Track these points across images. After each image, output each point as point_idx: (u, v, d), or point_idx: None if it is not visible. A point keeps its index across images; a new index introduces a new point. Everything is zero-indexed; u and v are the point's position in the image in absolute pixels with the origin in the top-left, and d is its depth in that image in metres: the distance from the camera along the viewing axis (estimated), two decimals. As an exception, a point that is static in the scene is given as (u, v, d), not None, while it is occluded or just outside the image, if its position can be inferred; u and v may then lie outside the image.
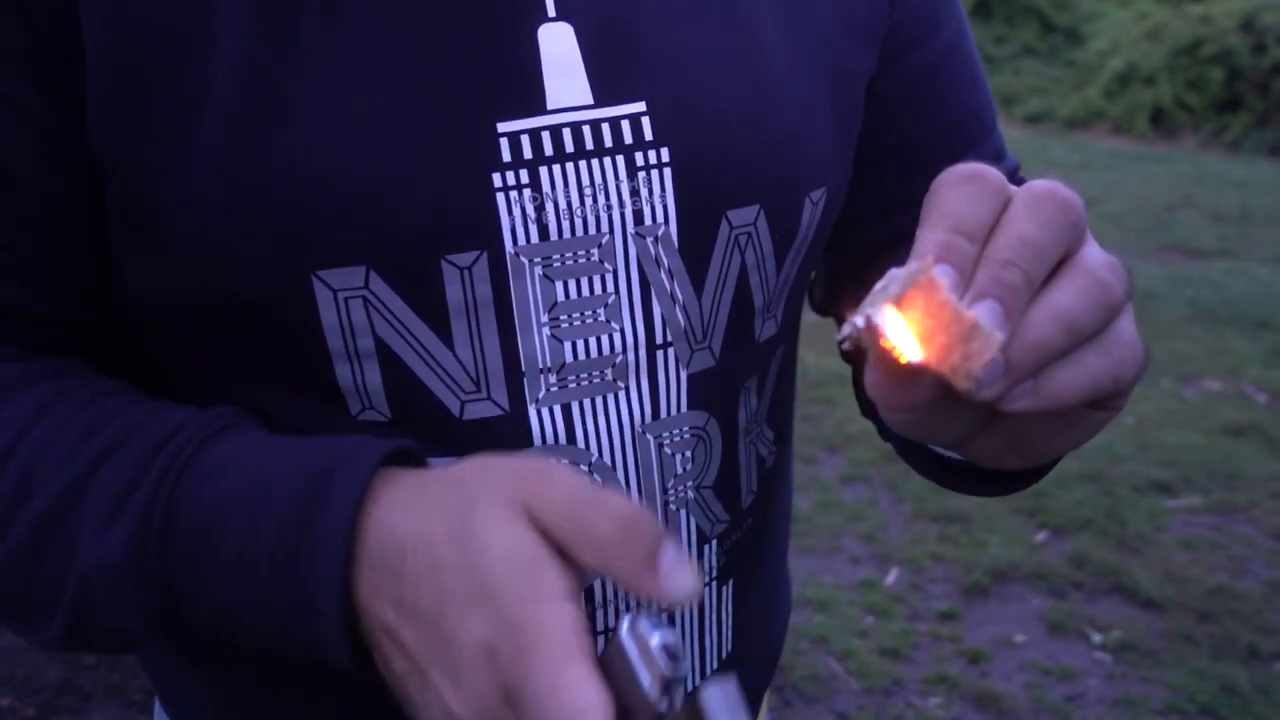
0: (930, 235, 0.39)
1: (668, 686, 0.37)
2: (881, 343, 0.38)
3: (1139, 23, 9.35)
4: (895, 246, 0.63)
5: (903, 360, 0.38)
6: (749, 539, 0.63)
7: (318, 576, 0.43)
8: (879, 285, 0.38)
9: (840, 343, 0.38)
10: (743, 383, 0.59)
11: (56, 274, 0.51)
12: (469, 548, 0.39)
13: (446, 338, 0.51)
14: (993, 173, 0.40)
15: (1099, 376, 0.39)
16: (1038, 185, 0.40)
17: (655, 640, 0.37)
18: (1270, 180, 7.21)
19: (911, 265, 0.37)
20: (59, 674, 2.26)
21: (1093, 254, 0.40)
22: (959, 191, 0.39)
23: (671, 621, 0.45)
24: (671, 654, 0.37)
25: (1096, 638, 2.49)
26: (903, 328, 0.37)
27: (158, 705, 0.68)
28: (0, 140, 0.48)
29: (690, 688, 0.40)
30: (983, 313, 0.37)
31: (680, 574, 0.38)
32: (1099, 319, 0.39)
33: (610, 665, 0.38)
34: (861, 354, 0.39)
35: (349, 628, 0.43)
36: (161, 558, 0.45)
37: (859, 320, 0.38)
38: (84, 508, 0.47)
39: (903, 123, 0.63)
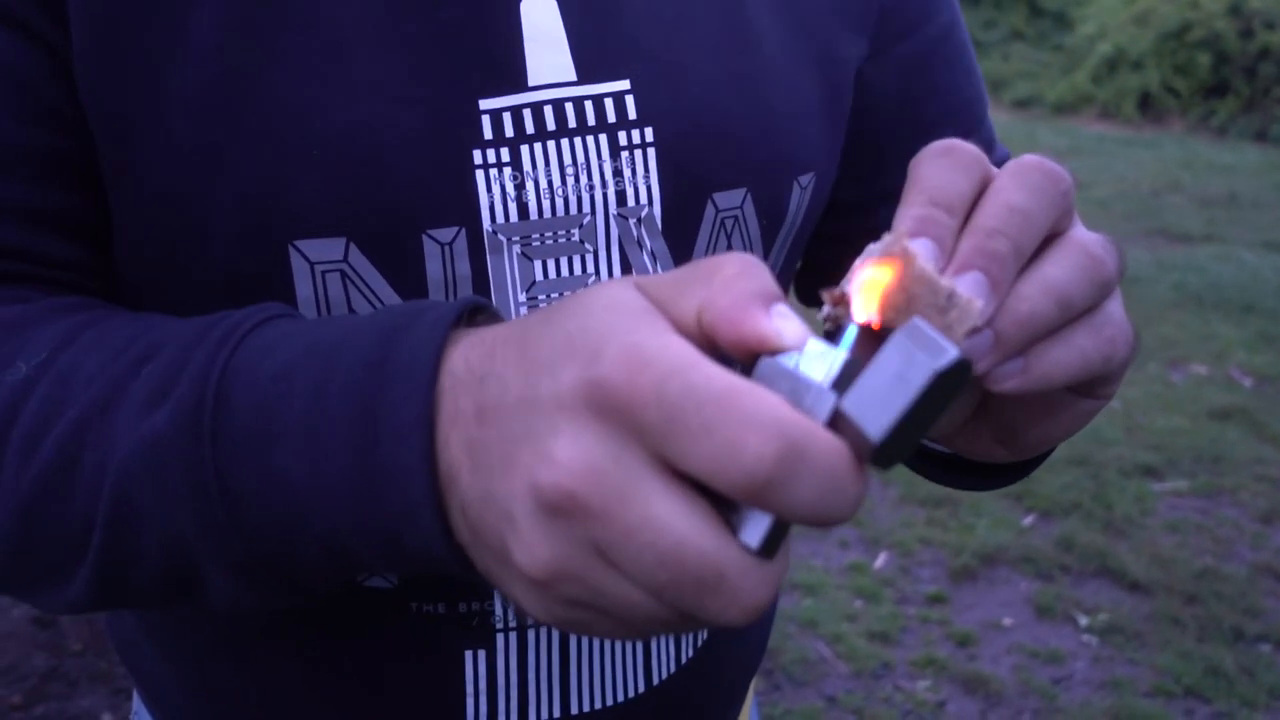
0: (907, 211, 0.38)
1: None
2: (856, 318, 0.36)
3: (1127, 7, 9.35)
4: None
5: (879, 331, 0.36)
6: None
7: (397, 403, 0.36)
8: (858, 261, 0.36)
9: (823, 322, 0.37)
10: None
11: (78, 221, 0.49)
12: (565, 312, 0.34)
13: None
14: (968, 146, 0.39)
15: (1090, 355, 0.38)
16: (1024, 158, 0.39)
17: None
18: (1257, 165, 7.23)
19: (886, 238, 0.36)
20: (45, 661, 2.25)
21: (1084, 231, 0.40)
22: (934, 165, 0.39)
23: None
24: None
25: (1083, 620, 2.50)
26: (876, 299, 0.35)
27: (136, 697, 0.68)
28: (24, 75, 0.46)
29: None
30: (965, 284, 0.36)
31: (791, 320, 0.32)
32: (1091, 295, 0.38)
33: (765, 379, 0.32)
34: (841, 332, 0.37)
35: (434, 487, 0.36)
36: (215, 437, 0.39)
37: (836, 296, 0.36)
38: (124, 404, 0.41)
39: (893, 111, 0.62)
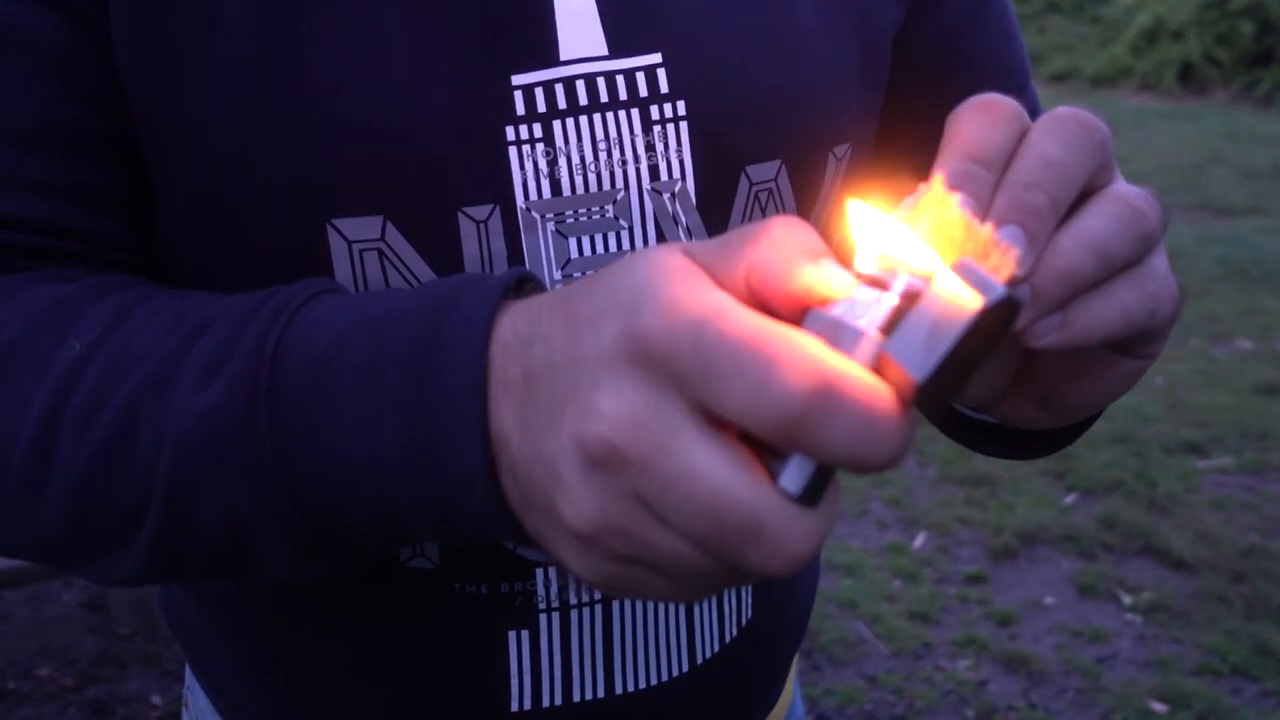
0: (944, 165, 0.37)
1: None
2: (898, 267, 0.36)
3: (1167, -24, 9.17)
4: None
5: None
6: None
7: (449, 375, 0.37)
8: (896, 212, 0.36)
9: (858, 274, 0.37)
10: None
11: (121, 200, 0.50)
12: (609, 274, 0.34)
13: None
14: (1007, 101, 0.38)
15: (1132, 310, 0.37)
16: (1058, 110, 0.39)
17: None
18: (1302, 135, 7.08)
19: (923, 188, 0.35)
20: (95, 644, 2.30)
21: (1124, 184, 0.39)
22: (972, 120, 0.38)
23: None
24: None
25: (1127, 599, 2.48)
26: (914, 245, 0.35)
27: (189, 672, 0.69)
28: (67, 57, 0.47)
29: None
30: (1001, 238, 0.35)
31: (838, 271, 0.33)
32: (1132, 248, 0.37)
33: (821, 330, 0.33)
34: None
35: (486, 454, 0.37)
36: (271, 411, 0.40)
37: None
38: (178, 380, 0.41)
39: (932, 78, 0.61)
